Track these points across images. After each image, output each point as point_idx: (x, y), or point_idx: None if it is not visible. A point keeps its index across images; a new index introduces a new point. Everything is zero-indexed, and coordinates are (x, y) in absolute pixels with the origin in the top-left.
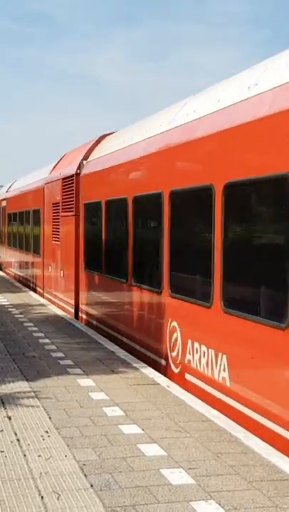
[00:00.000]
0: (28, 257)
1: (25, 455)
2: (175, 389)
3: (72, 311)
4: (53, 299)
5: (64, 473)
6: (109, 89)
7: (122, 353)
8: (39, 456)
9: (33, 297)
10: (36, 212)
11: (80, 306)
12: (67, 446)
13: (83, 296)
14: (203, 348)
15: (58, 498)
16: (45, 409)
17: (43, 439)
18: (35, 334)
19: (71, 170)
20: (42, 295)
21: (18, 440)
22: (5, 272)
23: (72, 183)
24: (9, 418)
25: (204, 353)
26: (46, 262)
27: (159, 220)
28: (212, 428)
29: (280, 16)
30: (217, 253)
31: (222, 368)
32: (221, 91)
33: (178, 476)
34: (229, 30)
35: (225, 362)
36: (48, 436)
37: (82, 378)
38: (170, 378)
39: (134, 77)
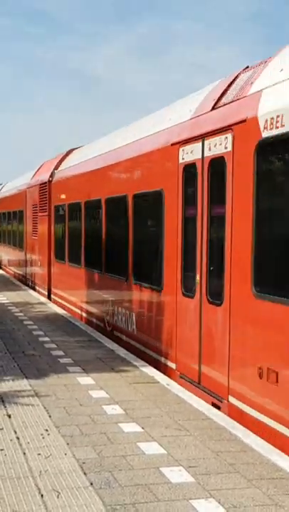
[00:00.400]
0: (15, 250)
1: (24, 453)
2: (175, 387)
3: (46, 293)
4: (32, 284)
5: (64, 471)
6: (108, 87)
7: (121, 352)
8: (39, 454)
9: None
10: (20, 213)
11: (52, 289)
12: (67, 444)
13: (54, 280)
14: (122, 310)
15: (57, 497)
16: (45, 408)
17: (43, 438)
18: (25, 323)
19: (45, 177)
20: (25, 282)
21: (17, 438)
22: None
23: (46, 188)
24: (9, 416)
25: (123, 314)
26: (28, 253)
27: (100, 219)
28: (211, 426)
29: (279, 14)
30: (130, 242)
31: (131, 322)
32: (138, 127)
33: (178, 475)
34: (228, 28)
35: (134, 318)
36: (48, 434)
37: (82, 377)
38: (106, 336)
39: (132, 75)
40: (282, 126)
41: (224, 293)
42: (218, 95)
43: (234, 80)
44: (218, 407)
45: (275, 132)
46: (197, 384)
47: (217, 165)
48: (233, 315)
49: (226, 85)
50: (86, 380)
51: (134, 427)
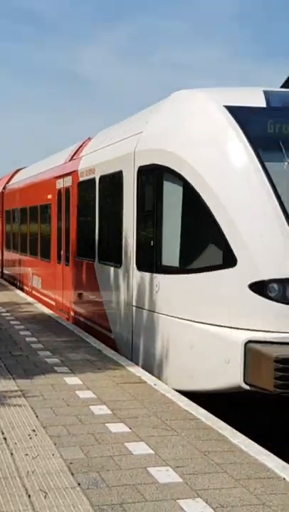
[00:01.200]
0: None
1: (12, 454)
2: (162, 387)
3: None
4: None
5: (51, 471)
6: (95, 87)
7: (109, 352)
8: (26, 454)
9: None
10: None
11: (3, 269)
12: (55, 444)
13: (5, 262)
14: (35, 277)
15: (45, 497)
16: (32, 408)
17: (30, 438)
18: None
19: (1, 188)
20: None
21: (5, 439)
22: None
23: (2, 197)
24: None
25: (35, 279)
26: None
27: (27, 220)
28: (199, 426)
29: (264, 13)
30: (40, 234)
31: (37, 280)
32: (47, 162)
33: (165, 475)
34: (214, 28)
35: (38, 278)
36: (35, 434)
37: (69, 377)
38: (29, 295)
39: (120, 75)
40: (87, 175)
41: (70, 260)
42: (72, 153)
43: (81, 145)
44: (68, 319)
45: (84, 178)
46: (60, 310)
47: (68, 191)
48: (71, 269)
49: (77, 148)
50: (73, 380)
51: (122, 427)
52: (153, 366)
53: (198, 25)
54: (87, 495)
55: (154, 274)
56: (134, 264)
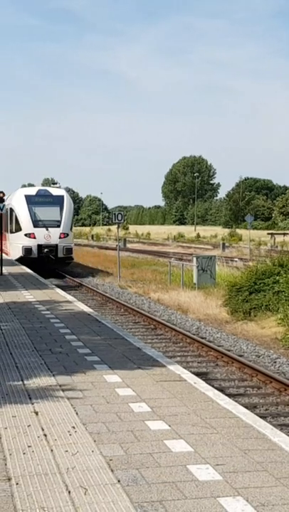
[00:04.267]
0: None
1: (52, 450)
2: (202, 385)
3: None
4: None
5: (91, 468)
6: (133, 86)
7: (148, 350)
8: (66, 451)
9: None
10: None
11: None
12: (94, 441)
13: None
14: None
15: (85, 493)
16: (72, 405)
17: (70, 435)
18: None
19: None
20: None
21: (45, 435)
22: None
23: None
24: (36, 413)
25: None
26: None
27: None
28: (239, 425)
29: None
30: None
31: None
32: None
33: (205, 472)
34: (253, 26)
35: None
36: (75, 431)
37: (108, 374)
38: None
39: (156, 74)
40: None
41: None
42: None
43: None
44: None
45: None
46: None
47: None
48: None
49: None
50: (113, 377)
51: (161, 424)
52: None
53: (236, 22)
54: (127, 492)
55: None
56: (9, 231)
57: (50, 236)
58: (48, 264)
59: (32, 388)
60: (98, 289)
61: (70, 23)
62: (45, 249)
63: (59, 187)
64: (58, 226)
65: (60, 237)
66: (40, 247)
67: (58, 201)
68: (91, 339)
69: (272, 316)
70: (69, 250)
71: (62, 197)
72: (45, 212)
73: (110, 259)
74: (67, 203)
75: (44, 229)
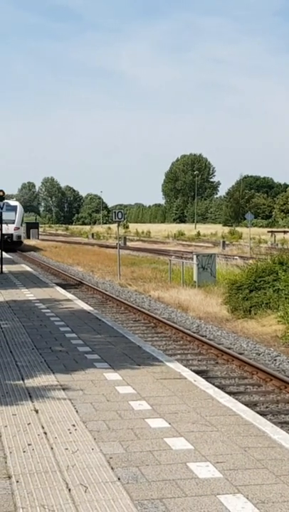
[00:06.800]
0: None
1: (52, 448)
2: (202, 383)
3: None
4: None
5: (91, 466)
6: (133, 83)
7: (148, 348)
8: (66, 449)
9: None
10: None
11: None
12: (94, 439)
13: None
14: None
15: (85, 491)
16: (72, 403)
17: (70, 433)
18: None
19: None
20: None
21: (45, 433)
22: None
23: None
24: (36, 411)
25: None
26: None
27: None
28: (239, 422)
29: None
30: None
31: None
32: None
33: (205, 470)
34: (254, 23)
35: None
36: (75, 429)
37: (108, 372)
38: None
39: (157, 72)
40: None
41: None
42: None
43: None
44: None
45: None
46: None
47: None
48: None
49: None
50: (113, 375)
51: (161, 422)
52: None
53: (237, 20)
54: (127, 489)
55: None
56: None
57: (9, 228)
58: (6, 244)
59: (32, 386)
60: (98, 287)
61: (70, 21)
62: (5, 236)
63: (14, 199)
64: (13, 223)
65: (14, 230)
66: (2, 235)
67: (13, 209)
68: (91, 337)
69: (273, 314)
70: (19, 237)
71: (16, 206)
72: (6, 215)
73: (110, 258)
74: (19, 210)
75: (5, 224)
